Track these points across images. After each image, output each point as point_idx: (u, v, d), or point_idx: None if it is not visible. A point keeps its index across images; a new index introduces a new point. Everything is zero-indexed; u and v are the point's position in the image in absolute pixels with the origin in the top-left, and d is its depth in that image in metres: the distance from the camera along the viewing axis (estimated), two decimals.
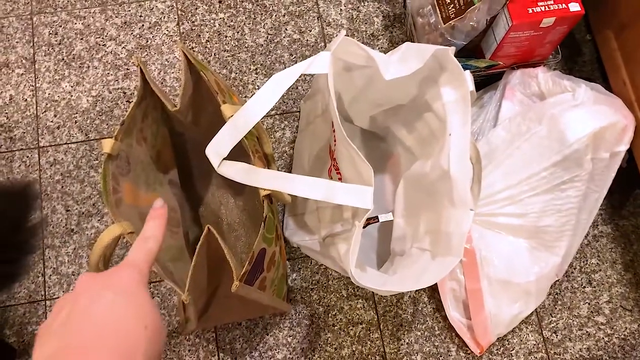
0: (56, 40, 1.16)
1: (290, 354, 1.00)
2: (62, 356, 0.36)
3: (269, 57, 1.17)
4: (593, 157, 0.92)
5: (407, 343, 1.02)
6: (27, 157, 1.09)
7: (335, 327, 1.02)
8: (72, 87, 1.13)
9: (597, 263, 1.08)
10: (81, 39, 1.16)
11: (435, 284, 1.01)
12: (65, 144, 1.10)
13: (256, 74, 1.16)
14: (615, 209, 1.11)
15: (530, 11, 0.92)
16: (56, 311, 0.40)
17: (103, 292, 0.40)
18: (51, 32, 1.16)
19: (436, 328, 1.03)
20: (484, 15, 0.93)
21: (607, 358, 1.03)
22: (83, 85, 1.13)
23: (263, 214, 0.71)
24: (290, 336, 1.01)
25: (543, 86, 0.99)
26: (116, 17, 1.18)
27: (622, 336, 1.05)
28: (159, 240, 0.48)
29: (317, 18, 1.20)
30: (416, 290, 1.05)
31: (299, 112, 1.14)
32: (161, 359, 0.43)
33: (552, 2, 0.92)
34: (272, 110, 1.13)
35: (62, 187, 1.07)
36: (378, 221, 0.80)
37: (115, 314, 0.39)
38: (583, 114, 0.91)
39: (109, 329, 0.37)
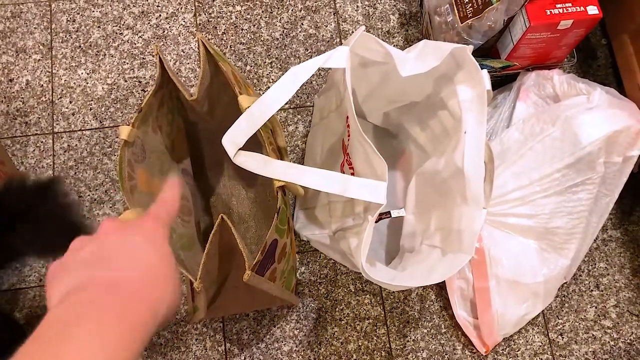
0: (74, 28, 1.17)
1: (296, 346, 1.01)
2: (87, 286, 0.35)
3: (285, 51, 1.17)
4: (606, 160, 0.92)
5: (413, 340, 1.02)
6: (42, 142, 1.09)
7: (342, 322, 1.02)
8: (88, 74, 1.14)
9: (606, 267, 1.08)
10: (98, 27, 1.17)
11: (443, 282, 1.02)
12: (80, 130, 1.10)
13: (271, 67, 1.16)
14: (625, 214, 1.11)
15: (548, 13, 0.92)
16: (75, 249, 0.39)
17: (131, 236, 0.39)
18: (69, 19, 1.17)
19: (442, 326, 1.03)
20: (501, 15, 0.94)
21: None
22: (99, 73, 1.14)
23: (277, 205, 0.72)
24: (297, 329, 1.02)
25: (558, 88, 0.99)
26: (134, 6, 1.19)
27: (628, 341, 1.05)
28: (176, 206, 0.47)
29: (334, 14, 1.21)
30: (424, 288, 1.05)
31: (312, 106, 1.14)
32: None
33: (570, 4, 0.92)
34: (285, 103, 1.13)
35: (75, 173, 1.08)
36: (390, 216, 0.80)
37: (147, 259, 0.38)
38: (597, 117, 0.91)
39: (139, 272, 0.37)
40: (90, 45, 1.16)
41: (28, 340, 0.31)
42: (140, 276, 0.37)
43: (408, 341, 1.02)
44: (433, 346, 1.02)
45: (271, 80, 1.15)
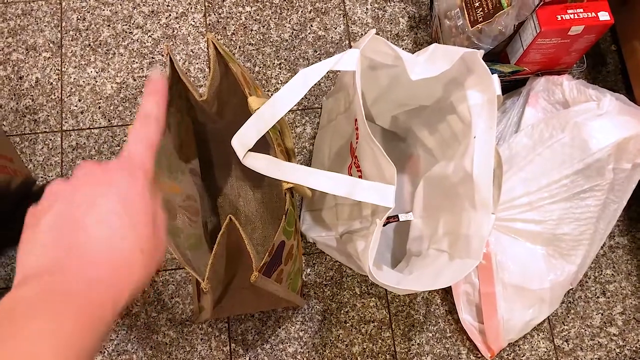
0: (84, 26, 1.17)
1: (301, 348, 1.01)
2: (45, 272, 0.31)
3: (293, 52, 1.18)
4: (615, 167, 0.92)
5: (418, 344, 1.02)
6: (50, 139, 1.10)
7: (347, 324, 1.02)
8: (97, 72, 1.14)
9: (612, 274, 1.08)
10: (108, 25, 1.17)
11: (449, 286, 1.01)
12: (88, 128, 1.11)
13: (280, 68, 1.16)
14: (632, 221, 1.11)
15: (559, 18, 0.92)
16: (48, 201, 0.35)
17: (100, 199, 0.34)
18: (79, 17, 1.18)
19: (448, 330, 1.03)
20: (512, 20, 0.93)
21: None
22: (108, 72, 1.14)
23: (285, 207, 0.72)
24: (302, 330, 1.02)
25: (568, 94, 0.99)
26: (144, 5, 1.19)
27: (634, 348, 1.04)
28: (160, 120, 0.40)
29: (343, 16, 1.21)
30: (429, 292, 1.05)
31: (320, 108, 1.14)
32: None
33: (581, 10, 0.92)
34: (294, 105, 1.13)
35: None
36: (398, 220, 0.80)
37: (115, 230, 0.33)
38: (607, 123, 0.91)
39: (104, 249, 0.32)
40: (100, 44, 1.16)
41: None
42: (104, 259, 0.32)
43: (413, 345, 1.02)
44: (438, 350, 1.02)
45: (280, 82, 1.15)
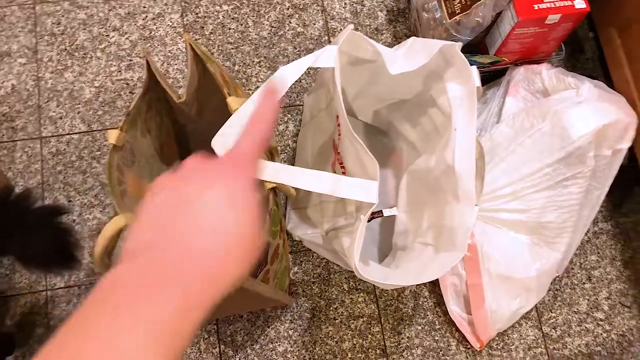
0: (59, 30, 1.16)
1: (291, 346, 1.01)
2: (150, 251, 0.32)
3: (273, 50, 1.17)
4: (596, 154, 0.92)
5: (408, 337, 1.02)
6: (29, 147, 1.08)
7: (337, 321, 1.02)
8: (75, 77, 1.13)
9: (597, 260, 1.09)
10: (84, 29, 1.16)
11: (436, 279, 1.02)
12: (68, 134, 1.10)
13: (259, 66, 1.16)
14: (615, 207, 1.12)
15: (536, 7, 0.92)
16: (155, 190, 0.36)
17: (208, 191, 0.35)
18: (54, 21, 1.16)
19: (436, 322, 1.03)
20: (489, 11, 0.93)
21: (606, 354, 1.04)
22: (86, 76, 1.13)
23: (268, 207, 0.71)
24: (291, 329, 1.01)
25: (547, 83, 0.99)
26: (120, 7, 1.18)
27: (621, 332, 1.05)
28: (271, 123, 0.40)
29: (321, 11, 1.20)
30: (417, 285, 1.05)
31: (302, 105, 1.14)
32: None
33: None
34: None
35: (64, 177, 1.07)
36: (382, 215, 0.80)
37: (220, 221, 0.34)
38: (587, 111, 0.91)
39: (208, 238, 0.33)
40: (77, 48, 1.15)
41: (82, 306, 0.29)
42: (207, 247, 0.33)
43: (402, 338, 1.02)
44: (427, 343, 1.02)
45: (260, 80, 1.14)
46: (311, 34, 1.19)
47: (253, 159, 0.38)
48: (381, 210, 0.81)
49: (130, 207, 0.76)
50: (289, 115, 1.13)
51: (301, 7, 1.20)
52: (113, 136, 0.73)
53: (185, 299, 0.30)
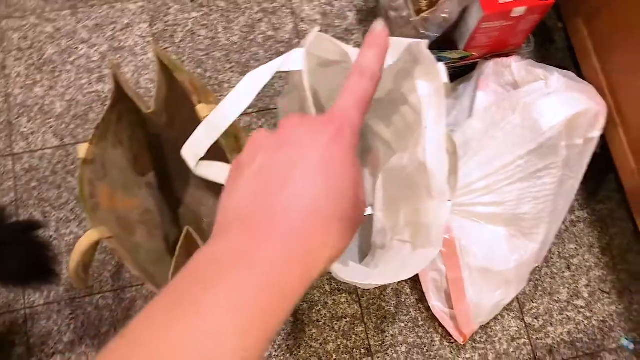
0: (26, 45, 1.14)
1: (275, 351, 1.00)
2: (238, 228, 0.30)
3: (244, 55, 1.17)
4: (567, 143, 0.93)
5: (392, 335, 1.02)
6: (1, 164, 1.07)
7: (320, 323, 1.02)
8: (45, 92, 1.12)
9: (575, 248, 1.10)
10: (52, 42, 1.15)
11: (417, 275, 1.02)
12: (40, 149, 1.08)
13: (231, 72, 1.15)
14: (590, 194, 1.13)
15: (501, 1, 0.93)
16: (250, 151, 0.34)
17: (304, 158, 0.32)
18: (21, 36, 1.15)
19: (419, 319, 1.03)
20: (455, 6, 0.94)
21: (587, 340, 1.05)
22: (56, 90, 1.12)
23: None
24: None
25: (516, 75, 1.00)
26: (87, 19, 1.17)
27: (601, 318, 1.06)
28: (376, 78, 0.36)
29: (291, 14, 1.20)
30: (398, 282, 1.06)
31: (277, 109, 1.14)
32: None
33: None
34: (249, 108, 1.12)
35: (39, 193, 1.06)
36: None
37: (314, 194, 0.30)
38: (556, 101, 0.92)
39: (300, 214, 0.30)
40: (45, 62, 1.14)
41: (170, 285, 0.28)
42: (301, 221, 0.30)
43: (387, 336, 1.02)
44: (411, 339, 1.02)
45: (232, 85, 1.14)
46: (282, 37, 1.19)
47: (355, 120, 0.34)
48: None
49: (104, 220, 0.75)
50: (264, 120, 1.13)
51: (270, 10, 1.20)
52: (82, 150, 0.73)
53: (278, 280, 0.28)
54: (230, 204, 0.32)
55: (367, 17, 1.21)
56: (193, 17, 1.18)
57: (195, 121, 0.73)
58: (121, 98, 0.78)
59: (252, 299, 0.27)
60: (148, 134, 0.93)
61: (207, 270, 0.28)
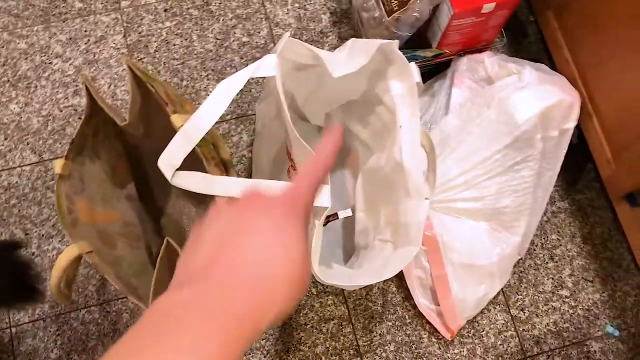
0: None
1: (264, 357, 1.00)
2: (199, 280, 0.33)
3: (220, 62, 1.17)
4: (543, 136, 0.94)
5: (380, 334, 1.03)
6: None
7: (308, 326, 1.02)
8: (20, 108, 1.11)
9: (557, 238, 1.11)
10: (26, 58, 1.14)
11: (402, 273, 1.03)
12: (19, 166, 1.08)
13: (208, 79, 1.15)
14: (570, 185, 1.14)
15: None
16: (212, 218, 0.38)
17: (265, 223, 0.36)
18: None
19: (407, 317, 1.04)
20: (426, 5, 0.95)
21: (573, 329, 1.06)
22: (32, 106, 1.11)
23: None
24: (263, 339, 1.01)
25: (490, 71, 1.01)
26: (60, 33, 1.16)
27: (586, 307, 1.08)
28: (328, 166, 0.42)
29: (265, 19, 1.20)
30: (384, 281, 1.06)
31: (254, 115, 1.14)
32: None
33: None
34: (226, 114, 1.13)
35: (19, 210, 1.05)
36: (337, 218, 0.81)
37: (269, 256, 0.35)
38: (529, 94, 0.93)
39: (257, 271, 0.34)
40: (20, 78, 1.13)
41: (128, 333, 0.30)
42: (254, 280, 0.34)
43: (375, 336, 1.03)
44: (399, 338, 1.03)
45: (209, 93, 1.13)
46: (257, 42, 1.19)
47: (308, 199, 0.39)
48: (336, 213, 0.81)
49: (84, 234, 0.75)
50: (242, 126, 1.13)
51: (244, 16, 1.20)
52: (59, 166, 0.73)
53: (231, 330, 0.31)
54: (191, 261, 0.36)
55: (341, 18, 1.22)
56: (167, 27, 1.18)
57: (172, 131, 0.74)
58: (95, 111, 0.78)
59: (211, 344, 0.30)
60: (126, 145, 0.93)
61: (170, 317, 0.31)
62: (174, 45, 1.17)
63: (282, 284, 0.34)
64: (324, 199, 0.69)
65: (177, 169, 0.70)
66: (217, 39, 1.18)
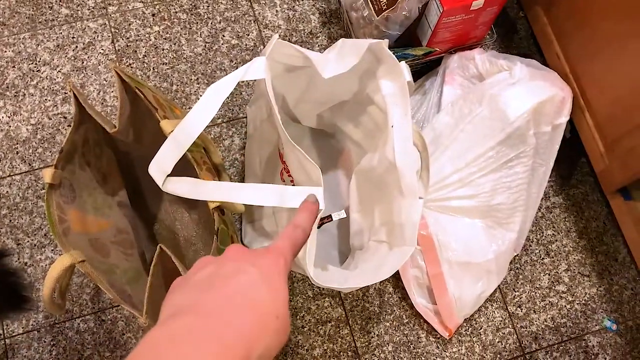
0: None
1: None
2: (190, 312, 0.35)
3: (209, 65, 1.16)
4: (535, 131, 0.94)
5: (377, 335, 1.02)
6: None
7: (305, 329, 1.02)
8: (9, 117, 1.10)
9: (553, 234, 1.11)
10: (13, 66, 1.13)
11: (399, 273, 1.02)
12: (9, 176, 1.07)
13: (198, 83, 1.14)
14: (564, 179, 1.14)
15: None
16: (198, 267, 0.40)
17: (249, 268, 0.39)
18: None
19: (404, 317, 1.04)
20: (415, 3, 0.94)
21: (571, 325, 1.06)
22: (21, 115, 1.10)
23: (215, 227, 0.71)
24: None
25: (481, 67, 1.00)
26: (48, 40, 1.15)
27: (583, 302, 1.07)
28: (307, 233, 0.46)
29: (254, 21, 1.20)
30: (381, 282, 1.05)
31: (246, 117, 1.13)
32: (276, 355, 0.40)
33: None
34: (217, 118, 1.12)
35: (10, 221, 1.04)
36: (332, 220, 0.80)
37: (255, 294, 0.37)
38: (521, 90, 0.93)
39: (244, 305, 0.36)
40: (8, 87, 1.12)
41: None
42: (239, 313, 0.36)
43: (372, 337, 1.02)
44: (397, 338, 1.02)
45: (200, 97, 1.13)
46: (246, 44, 1.18)
47: (288, 259, 0.42)
48: (330, 215, 0.81)
49: (76, 244, 0.74)
50: (234, 129, 1.12)
51: (233, 19, 1.19)
52: (48, 175, 0.72)
53: (225, 357, 0.33)
54: (177, 299, 0.38)
55: (330, 18, 1.21)
56: (155, 31, 1.17)
57: (163, 136, 0.73)
58: (84, 119, 0.77)
59: None
60: (117, 152, 0.92)
61: (164, 347, 0.32)
62: (163, 49, 1.16)
63: (270, 315, 0.37)
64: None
65: (169, 175, 0.69)
66: (206, 42, 1.18)
